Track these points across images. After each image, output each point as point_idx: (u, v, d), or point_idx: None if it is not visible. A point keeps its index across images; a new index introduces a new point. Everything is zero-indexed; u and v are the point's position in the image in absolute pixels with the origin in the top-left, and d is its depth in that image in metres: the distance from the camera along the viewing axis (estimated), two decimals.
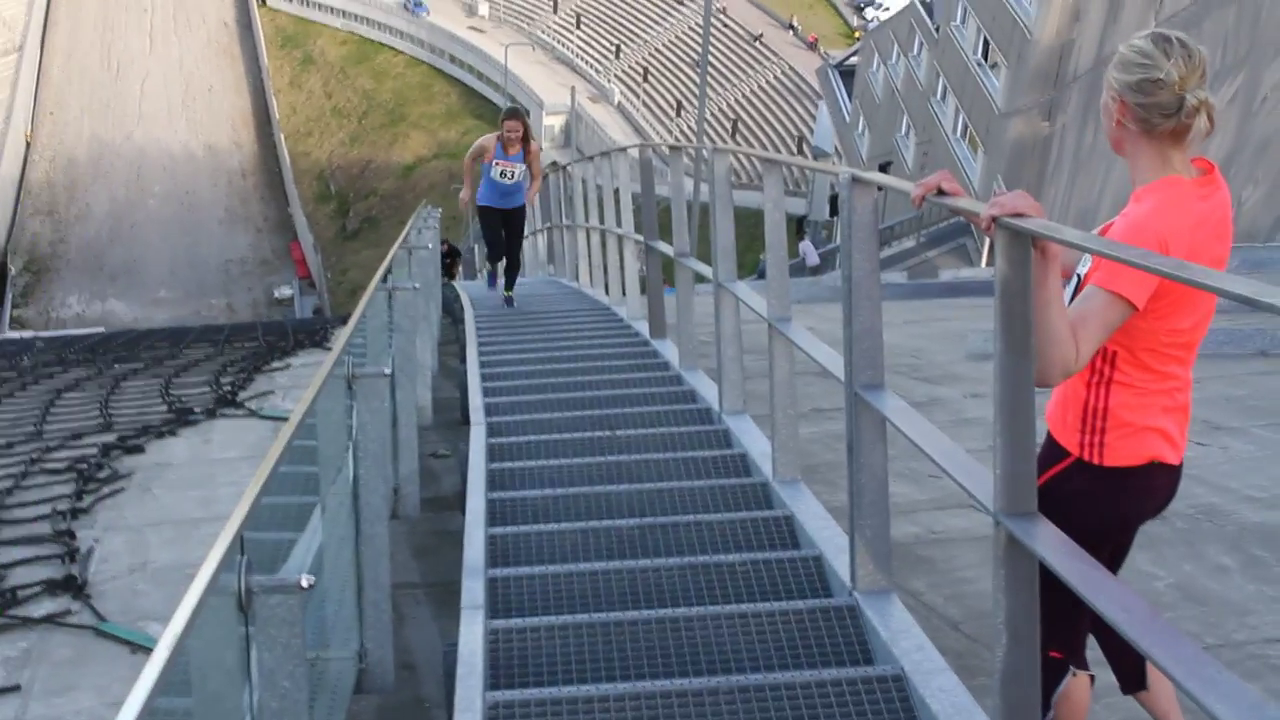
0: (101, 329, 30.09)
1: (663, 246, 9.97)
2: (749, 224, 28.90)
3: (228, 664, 2.69)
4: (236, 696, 2.82)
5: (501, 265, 15.09)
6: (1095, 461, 3.64)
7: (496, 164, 13.75)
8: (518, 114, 14.21)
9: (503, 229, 14.31)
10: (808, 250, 41.57)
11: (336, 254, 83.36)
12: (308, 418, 3.68)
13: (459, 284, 19.48)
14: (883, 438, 4.78)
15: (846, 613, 4.92)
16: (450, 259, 28.53)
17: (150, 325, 51.79)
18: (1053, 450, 3.74)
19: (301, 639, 2.67)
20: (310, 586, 2.65)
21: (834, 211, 55.24)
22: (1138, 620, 2.79)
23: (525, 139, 13.81)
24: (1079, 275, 3.65)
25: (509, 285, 14.73)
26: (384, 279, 7.08)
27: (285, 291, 79.83)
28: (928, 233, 41.65)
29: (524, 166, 13.81)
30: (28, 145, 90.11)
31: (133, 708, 1.81)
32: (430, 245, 12.60)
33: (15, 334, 29.51)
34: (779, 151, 74.26)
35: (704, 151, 9.12)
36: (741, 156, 62.36)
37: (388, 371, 5.19)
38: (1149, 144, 3.50)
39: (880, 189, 4.83)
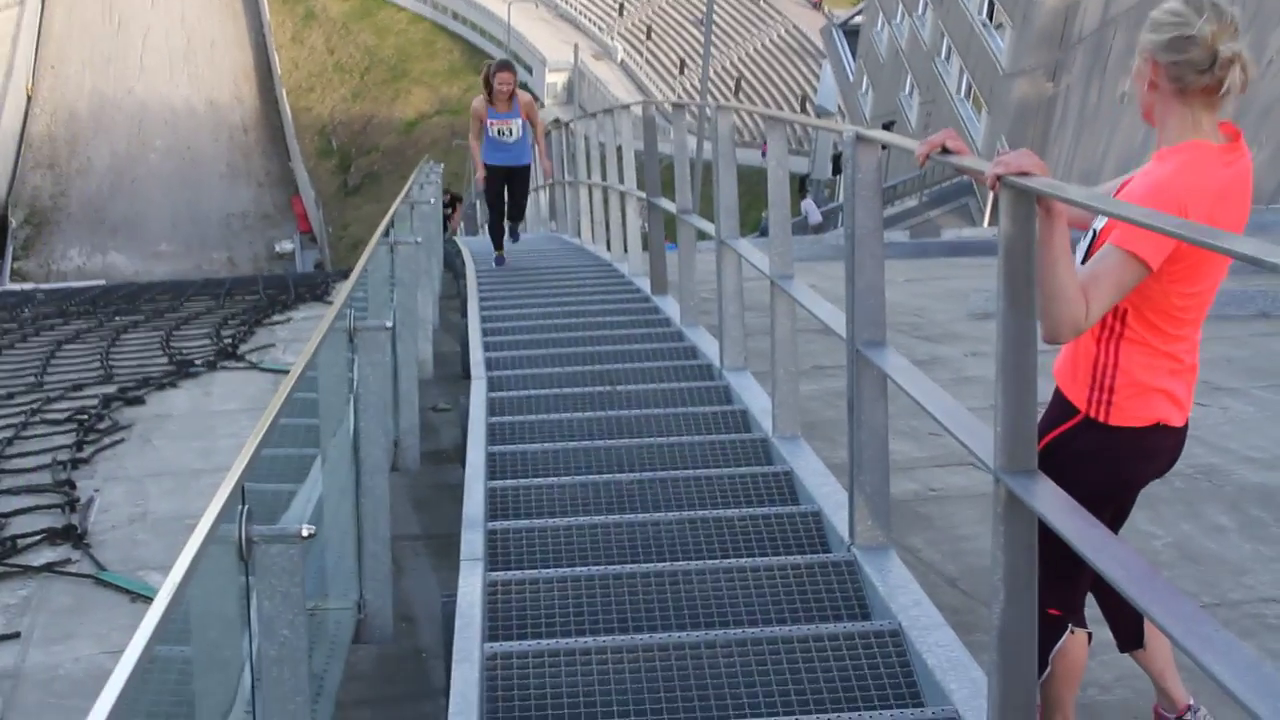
0: (102, 282, 30.09)
1: (665, 203, 9.95)
2: (751, 182, 28.83)
3: (228, 612, 2.70)
4: (236, 644, 2.83)
5: (506, 251, 14.07)
6: (1102, 419, 3.63)
7: (492, 124, 13.02)
8: (510, 66, 13.35)
9: (505, 187, 13.43)
10: (810, 209, 41.48)
11: (338, 209, 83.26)
12: (309, 370, 3.68)
13: (460, 239, 19.44)
14: (883, 395, 4.79)
15: (845, 568, 4.94)
16: (451, 208, 28.06)
17: (151, 278, 51.78)
18: (1060, 408, 3.73)
19: (301, 588, 2.67)
20: (310, 536, 2.65)
21: (837, 170, 55.08)
22: (1136, 578, 2.80)
23: (516, 94, 13.14)
24: (1095, 230, 3.63)
25: (513, 233, 13.93)
26: (386, 233, 7.06)
27: (286, 246, 79.74)
28: (930, 192, 41.55)
29: (521, 120, 13.09)
30: (29, 99, 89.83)
31: (133, 654, 1.82)
32: (432, 200, 12.56)
33: (16, 286, 29.53)
34: (783, 109, 74.05)
35: (707, 109, 9.08)
36: (744, 114, 62.20)
37: (389, 325, 5.19)
38: (1181, 105, 3.48)
39: (884, 148, 4.82)
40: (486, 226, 13.42)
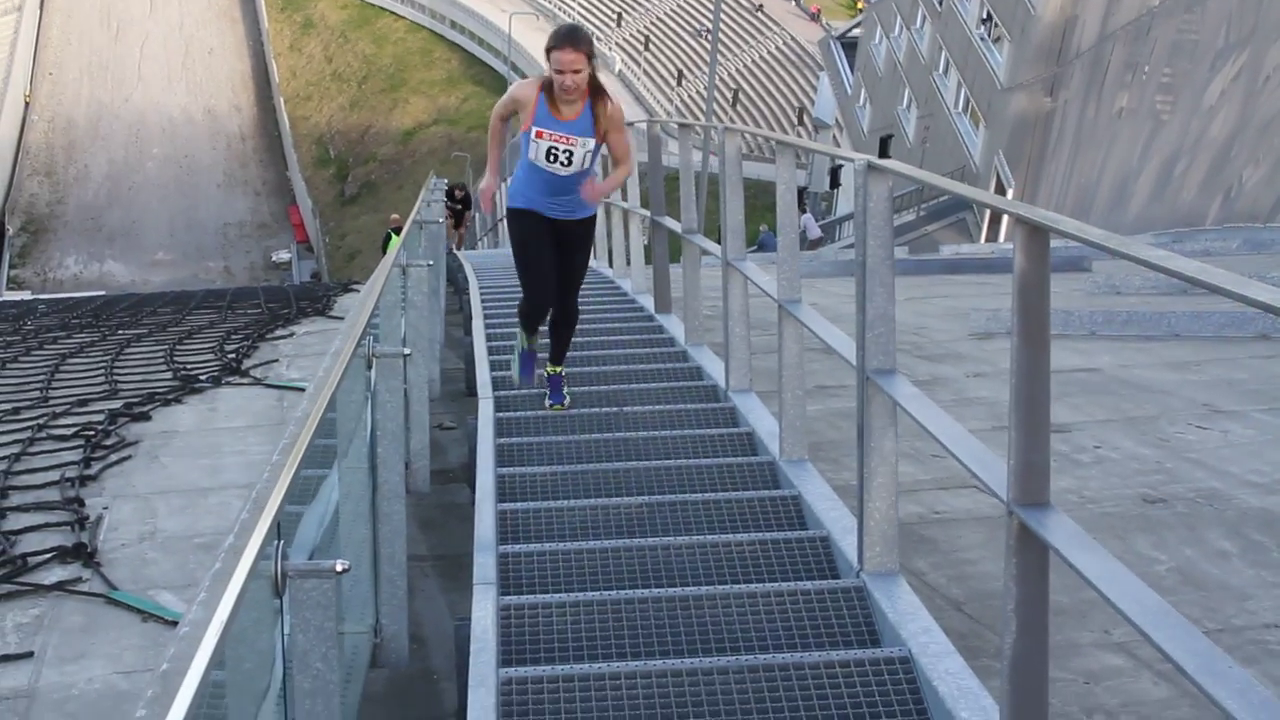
0: (103, 292, 30.12)
1: (669, 222, 10.00)
2: (749, 194, 28.93)
3: (261, 645, 2.75)
4: (266, 674, 2.88)
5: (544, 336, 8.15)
6: None
7: (539, 135, 7.34)
8: (577, 37, 7.34)
9: (555, 253, 7.63)
10: (809, 223, 41.59)
11: (335, 219, 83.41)
12: (328, 397, 3.72)
13: (462, 254, 19.48)
14: (893, 422, 4.84)
15: (854, 594, 4.98)
16: (463, 205, 26.71)
17: (148, 287, 51.87)
18: None
19: (335, 623, 2.73)
20: (345, 571, 2.71)
21: (835, 183, 55.23)
22: (1150, 613, 2.85)
23: (595, 90, 7.37)
24: None
25: (557, 356, 8.05)
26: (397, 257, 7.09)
27: (283, 255, 79.89)
28: (928, 207, 41.69)
29: (593, 143, 7.36)
30: (26, 106, 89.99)
31: (185, 697, 1.86)
32: (440, 220, 12.41)
33: (16, 295, 29.60)
34: (780, 122, 74.19)
35: (714, 131, 9.11)
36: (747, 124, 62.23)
37: (408, 352, 5.23)
38: None
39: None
40: (518, 352, 8.10)
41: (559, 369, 8.07)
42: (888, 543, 5.01)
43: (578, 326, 8.18)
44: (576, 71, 7.17)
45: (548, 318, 7.94)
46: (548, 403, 7.97)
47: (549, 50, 7.28)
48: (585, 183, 7.48)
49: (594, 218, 7.93)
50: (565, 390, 8.04)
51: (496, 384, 8.45)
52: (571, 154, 7.32)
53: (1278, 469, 7.36)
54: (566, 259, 7.70)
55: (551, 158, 7.34)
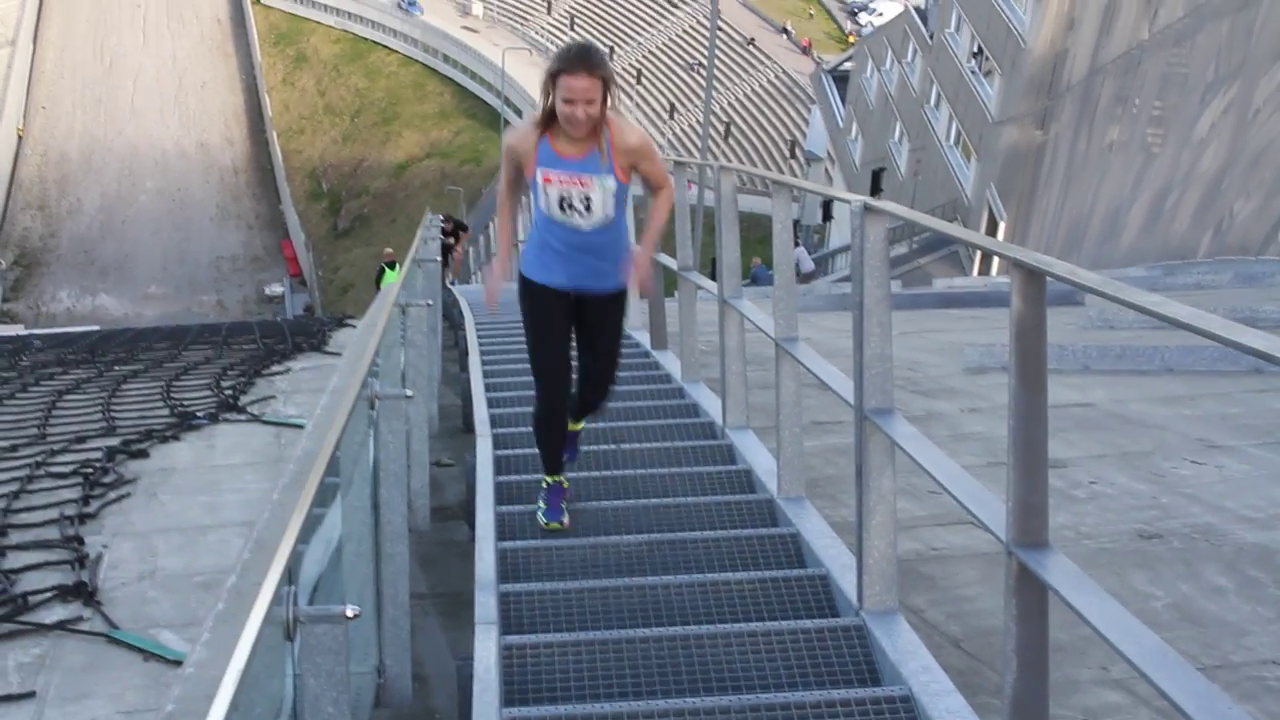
0: (97, 326, 30.12)
1: (664, 259, 10.04)
2: (741, 227, 28.95)
3: (270, 689, 2.78)
4: (275, 715, 2.91)
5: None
6: None
7: (546, 181, 5.94)
8: (590, 59, 5.74)
9: (571, 329, 6.35)
10: (802, 256, 41.66)
11: (328, 252, 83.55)
12: (335, 440, 3.74)
13: (457, 289, 19.47)
14: (891, 461, 4.87)
15: (854, 633, 5.01)
16: (454, 238, 26.31)
17: (141, 321, 51.90)
18: None
19: (346, 666, 2.76)
20: (355, 617, 2.73)
21: (827, 216, 55.37)
22: (1149, 653, 2.88)
23: (604, 115, 5.82)
24: None
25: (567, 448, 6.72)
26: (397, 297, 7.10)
27: (276, 289, 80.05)
28: (920, 240, 41.79)
29: (613, 183, 5.95)
30: (19, 139, 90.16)
31: None
32: (437, 258, 12.43)
33: (9, 330, 29.60)
34: (772, 155, 74.44)
35: (709, 170, 9.12)
36: (741, 154, 62.56)
37: (410, 394, 5.25)
38: None
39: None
40: (545, 487, 6.62)
41: (579, 425, 6.78)
42: (887, 581, 5.04)
43: (574, 362, 6.51)
44: (589, 102, 5.71)
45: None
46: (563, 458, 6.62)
47: (555, 74, 5.75)
48: (625, 256, 6.18)
49: (625, 291, 6.37)
50: (579, 445, 6.89)
51: (494, 421, 8.47)
52: (589, 198, 5.93)
53: (1273, 504, 7.39)
54: (586, 332, 6.37)
55: (566, 207, 5.95)
